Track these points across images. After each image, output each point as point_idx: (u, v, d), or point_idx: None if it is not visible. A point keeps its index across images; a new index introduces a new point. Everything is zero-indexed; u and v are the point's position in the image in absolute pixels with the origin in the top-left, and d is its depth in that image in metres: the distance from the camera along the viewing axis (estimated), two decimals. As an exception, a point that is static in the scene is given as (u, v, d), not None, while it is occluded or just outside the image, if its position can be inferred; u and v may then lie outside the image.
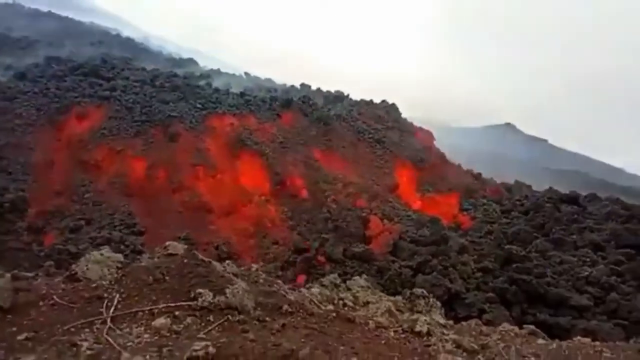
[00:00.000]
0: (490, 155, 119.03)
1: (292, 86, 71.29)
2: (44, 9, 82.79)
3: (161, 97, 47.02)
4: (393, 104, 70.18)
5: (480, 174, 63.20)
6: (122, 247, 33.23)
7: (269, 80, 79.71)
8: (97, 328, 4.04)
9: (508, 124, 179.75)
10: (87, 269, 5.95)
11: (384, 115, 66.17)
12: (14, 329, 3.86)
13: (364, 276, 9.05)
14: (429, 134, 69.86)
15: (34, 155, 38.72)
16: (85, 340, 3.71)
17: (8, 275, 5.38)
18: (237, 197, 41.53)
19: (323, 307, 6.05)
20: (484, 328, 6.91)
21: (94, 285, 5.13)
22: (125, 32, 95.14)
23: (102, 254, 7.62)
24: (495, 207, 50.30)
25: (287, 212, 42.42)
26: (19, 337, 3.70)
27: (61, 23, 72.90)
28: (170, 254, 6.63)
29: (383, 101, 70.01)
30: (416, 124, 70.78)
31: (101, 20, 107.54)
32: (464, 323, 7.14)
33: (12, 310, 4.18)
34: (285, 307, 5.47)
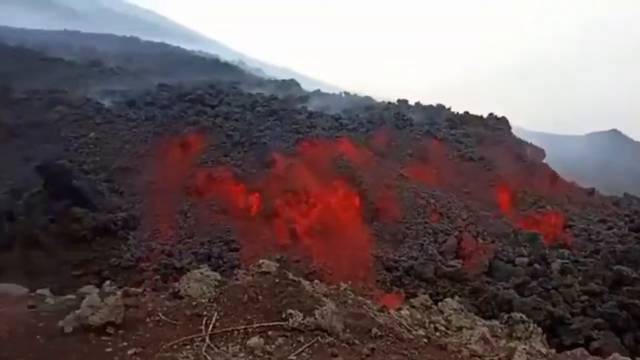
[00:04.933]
0: (595, 164, 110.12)
1: (390, 103, 69.94)
2: (157, 39, 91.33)
3: (259, 122, 49.39)
4: (503, 118, 66.98)
5: (590, 189, 58.45)
6: (221, 262, 35.44)
7: (368, 98, 79.20)
8: (197, 345, 4.33)
9: (614, 130, 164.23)
10: (189, 286, 6.40)
11: (489, 130, 63.51)
12: (125, 343, 4.27)
13: (457, 297, 8.72)
14: (539, 151, 66.27)
15: (142, 178, 42.48)
16: (187, 357, 4.01)
17: (119, 292, 5.95)
18: (329, 219, 42.32)
19: (414, 332, 5.95)
20: (593, 358, 6.41)
21: (194, 303, 5.50)
22: (228, 57, 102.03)
23: (201, 273, 8.10)
24: (601, 224, 46.23)
25: (379, 231, 42.38)
26: (129, 352, 4.09)
27: (172, 52, 79.62)
28: (264, 272, 6.91)
29: (491, 114, 67.20)
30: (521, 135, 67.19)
31: (207, 48, 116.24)
32: (568, 352, 6.68)
33: (123, 325, 4.63)
34: (375, 330, 5.47)
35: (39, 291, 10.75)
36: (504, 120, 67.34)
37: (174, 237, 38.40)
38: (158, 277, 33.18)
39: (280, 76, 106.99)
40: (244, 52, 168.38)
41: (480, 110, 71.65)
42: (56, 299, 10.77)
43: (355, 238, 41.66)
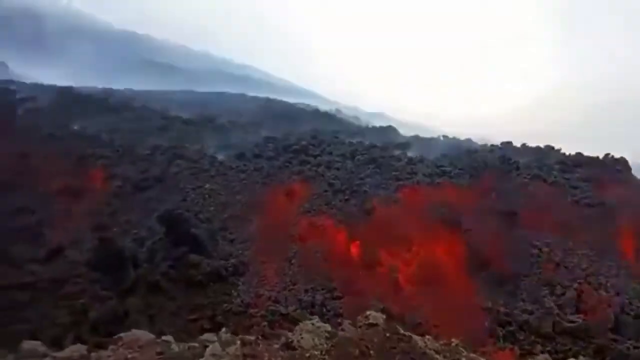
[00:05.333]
0: None
1: (493, 145, 67.67)
2: (262, 95, 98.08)
3: (359, 170, 50.52)
4: (621, 158, 61.52)
5: None
6: (324, 310, 35.83)
7: (469, 140, 77.53)
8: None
9: None
10: (302, 337, 6.72)
11: (606, 172, 58.59)
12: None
13: (581, 358, 8.09)
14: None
15: (251, 226, 44.85)
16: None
17: (238, 341, 6.40)
18: (432, 270, 41.19)
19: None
20: None
21: (307, 354, 5.76)
22: (326, 107, 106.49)
23: (313, 324, 8.41)
24: None
25: (488, 282, 40.22)
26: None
27: (276, 106, 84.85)
28: (371, 324, 7.02)
29: (607, 155, 62.14)
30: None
31: (307, 99, 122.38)
32: None
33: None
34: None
35: (164, 338, 11.78)
36: (623, 161, 61.59)
37: (279, 283, 39.63)
38: (266, 323, 34.34)
39: (376, 121, 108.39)
40: (339, 100, 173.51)
41: (576, 147, 65.40)
42: (180, 345, 11.71)
43: (462, 289, 39.89)
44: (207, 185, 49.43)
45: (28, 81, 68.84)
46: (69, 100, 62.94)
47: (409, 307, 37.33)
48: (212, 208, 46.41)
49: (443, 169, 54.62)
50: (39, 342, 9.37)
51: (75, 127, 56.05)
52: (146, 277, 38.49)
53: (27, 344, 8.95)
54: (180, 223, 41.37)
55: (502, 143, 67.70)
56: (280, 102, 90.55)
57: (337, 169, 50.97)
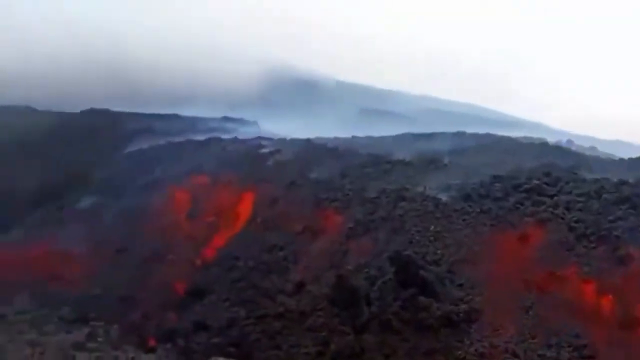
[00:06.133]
0: None
1: None
2: (481, 131, 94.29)
3: (608, 211, 44.05)
4: None
5: None
6: None
7: None
8: None
9: None
10: None
11: None
12: None
13: None
14: None
15: (479, 271, 42.87)
16: None
17: None
18: None
19: None
20: None
21: None
22: (554, 138, 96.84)
23: None
24: None
25: None
26: None
27: (499, 141, 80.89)
28: None
29: None
30: None
31: (530, 131, 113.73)
32: None
33: None
34: None
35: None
36: None
37: (516, 335, 36.78)
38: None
39: (617, 151, 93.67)
40: (570, 129, 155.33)
41: None
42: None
43: None
44: (431, 227, 49.41)
45: (275, 137, 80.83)
46: (307, 151, 71.49)
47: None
48: (438, 251, 46.02)
49: None
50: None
51: (313, 175, 63.03)
52: (379, 316, 40.13)
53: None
54: (409, 264, 42.23)
55: None
56: (502, 137, 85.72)
57: (580, 210, 45.28)
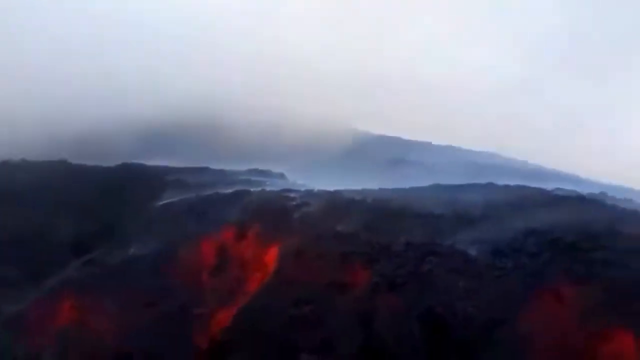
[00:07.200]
0: None
1: None
2: (513, 182, 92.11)
3: (648, 266, 42.11)
4: None
5: None
6: None
7: None
8: None
9: None
10: None
11: None
12: None
13: None
14: None
15: (515, 332, 40.98)
16: None
17: None
18: None
19: None
20: None
21: None
22: (590, 190, 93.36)
23: None
24: None
25: None
26: None
27: (531, 194, 78.49)
28: None
29: None
30: None
31: (564, 183, 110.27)
32: None
33: None
34: None
35: None
36: None
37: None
38: None
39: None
40: (607, 181, 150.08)
41: None
42: None
43: None
44: (460, 284, 47.89)
45: (302, 188, 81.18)
46: (334, 202, 71.28)
47: None
48: (469, 309, 44.35)
49: None
50: None
51: (339, 228, 62.52)
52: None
53: None
54: (439, 322, 40.89)
55: None
56: (535, 189, 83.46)
57: (620, 267, 43.24)
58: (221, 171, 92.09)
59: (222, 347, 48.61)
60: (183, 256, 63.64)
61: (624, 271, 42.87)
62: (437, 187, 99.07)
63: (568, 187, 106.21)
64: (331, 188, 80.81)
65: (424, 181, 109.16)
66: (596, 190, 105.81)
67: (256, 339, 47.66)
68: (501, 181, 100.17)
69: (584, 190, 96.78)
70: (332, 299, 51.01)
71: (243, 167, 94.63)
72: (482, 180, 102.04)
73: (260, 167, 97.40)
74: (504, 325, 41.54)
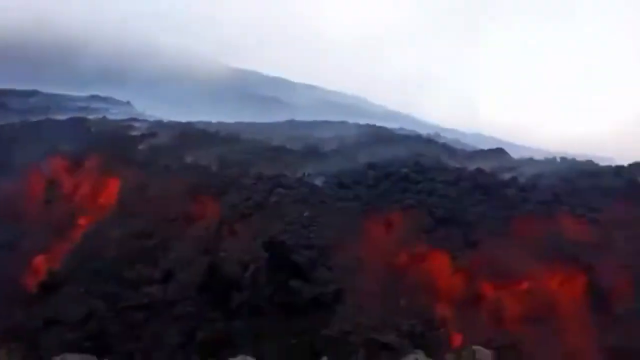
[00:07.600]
0: None
1: (619, 167, 59.87)
2: (363, 121, 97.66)
3: (463, 198, 47.94)
4: None
5: None
6: (424, 342, 34.38)
7: (590, 162, 68.71)
8: None
9: None
10: None
11: None
12: None
13: None
14: None
15: (349, 255, 44.16)
16: None
17: None
18: (545, 306, 37.69)
19: None
20: None
21: None
22: (425, 131, 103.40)
23: (417, 358, 7.41)
24: None
25: (614, 322, 35.56)
26: None
27: (377, 132, 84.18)
28: None
29: None
30: None
31: (406, 124, 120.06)
32: None
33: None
34: None
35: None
36: None
37: (379, 313, 38.67)
38: (364, 352, 33.88)
39: (480, 144, 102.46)
40: (438, 123, 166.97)
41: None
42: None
43: (580, 328, 35.94)
44: (305, 213, 49.93)
45: (151, 119, 76.01)
46: (185, 135, 68.26)
47: (516, 345, 34.70)
48: (311, 235, 46.63)
49: (559, 194, 49.79)
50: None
51: (189, 160, 60.30)
52: (249, 301, 39.75)
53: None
54: (281, 249, 42.29)
55: (631, 165, 59.19)
56: (382, 128, 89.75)
57: (440, 196, 48.79)
58: (54, 95, 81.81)
59: (51, 285, 44.56)
60: (7, 188, 55.95)
61: (444, 200, 48.54)
62: (291, 123, 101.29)
63: (410, 127, 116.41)
64: (183, 119, 77.19)
65: (281, 117, 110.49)
66: (432, 132, 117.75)
67: (91, 276, 44.59)
68: (354, 120, 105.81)
69: (422, 131, 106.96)
70: (179, 233, 49.67)
71: (81, 93, 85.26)
72: (337, 118, 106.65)
73: (101, 93, 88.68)
74: (339, 249, 44.43)
